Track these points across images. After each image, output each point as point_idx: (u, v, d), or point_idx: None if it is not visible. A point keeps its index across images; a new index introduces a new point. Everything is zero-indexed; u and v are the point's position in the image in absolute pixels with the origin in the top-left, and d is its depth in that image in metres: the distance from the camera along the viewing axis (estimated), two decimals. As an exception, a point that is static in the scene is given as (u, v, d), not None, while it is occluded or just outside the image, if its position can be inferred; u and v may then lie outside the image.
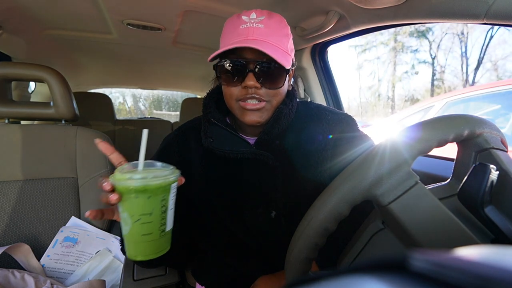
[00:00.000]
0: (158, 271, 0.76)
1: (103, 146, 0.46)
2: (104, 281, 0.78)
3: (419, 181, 0.35)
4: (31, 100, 1.65)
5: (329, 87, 1.36)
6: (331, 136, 0.65)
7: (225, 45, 0.56)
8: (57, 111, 0.95)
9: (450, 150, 0.49)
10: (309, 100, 1.39)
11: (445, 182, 0.41)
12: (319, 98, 1.37)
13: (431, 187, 0.40)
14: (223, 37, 0.60)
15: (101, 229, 0.96)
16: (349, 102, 13.53)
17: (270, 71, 0.56)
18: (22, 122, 1.21)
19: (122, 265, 0.86)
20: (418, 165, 0.89)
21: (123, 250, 0.63)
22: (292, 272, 0.41)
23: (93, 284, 0.74)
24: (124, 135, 2.04)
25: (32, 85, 1.67)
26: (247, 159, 0.60)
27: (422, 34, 11.05)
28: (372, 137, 0.69)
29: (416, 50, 11.65)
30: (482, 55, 9.38)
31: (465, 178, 0.34)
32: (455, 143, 0.39)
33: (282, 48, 0.57)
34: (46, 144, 0.96)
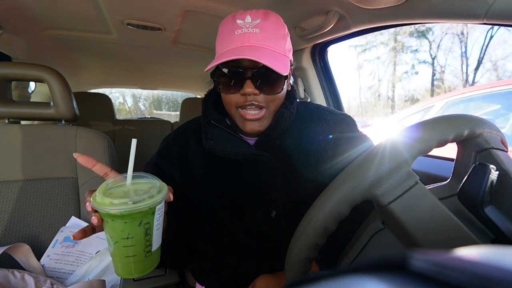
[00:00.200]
0: (158, 271, 0.76)
1: (83, 160, 0.45)
2: (104, 281, 0.78)
3: (419, 181, 0.35)
4: (31, 100, 1.65)
5: (329, 87, 1.36)
6: (331, 136, 0.65)
7: (221, 51, 0.56)
8: (57, 111, 0.95)
9: (450, 150, 0.49)
10: (309, 100, 1.39)
11: (445, 182, 0.41)
12: (319, 98, 1.37)
13: (431, 187, 0.40)
14: (219, 42, 0.59)
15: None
16: (349, 102, 13.53)
17: (268, 78, 0.56)
18: (22, 122, 1.21)
19: (122, 265, 0.86)
20: (418, 165, 0.89)
21: None
22: (292, 272, 0.41)
23: (93, 284, 0.74)
24: (124, 135, 2.03)
25: (32, 85, 1.67)
26: (247, 160, 0.60)
27: (422, 34, 11.05)
28: (372, 137, 0.69)
29: (416, 50, 11.65)
30: (482, 55, 9.38)
31: (465, 178, 0.34)
32: (455, 143, 0.39)
33: (280, 52, 0.57)
34: (46, 144, 0.96)
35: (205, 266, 0.73)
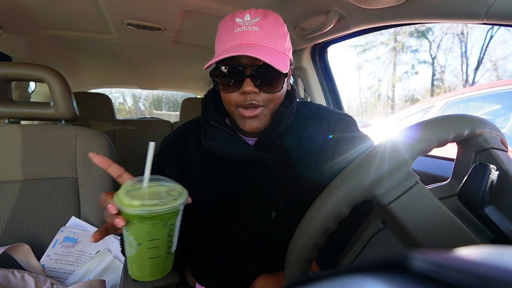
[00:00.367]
0: None
1: (99, 160, 0.45)
2: (104, 281, 0.78)
3: (419, 181, 0.35)
4: (31, 100, 1.65)
5: (329, 87, 1.36)
6: (331, 136, 0.64)
7: (220, 50, 0.56)
8: (57, 111, 0.95)
9: (450, 150, 0.49)
10: (309, 100, 1.39)
11: (445, 182, 0.41)
12: (319, 98, 1.37)
13: (431, 187, 0.40)
14: (218, 41, 0.59)
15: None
16: (349, 102, 13.53)
17: (267, 76, 0.55)
18: (22, 122, 1.21)
19: (122, 265, 0.86)
20: (418, 165, 0.89)
21: (123, 252, 0.63)
22: (292, 272, 0.41)
23: (93, 284, 0.74)
24: (124, 135, 2.03)
25: (32, 85, 1.67)
26: (247, 160, 0.60)
27: (422, 34, 11.05)
28: (372, 137, 0.69)
29: (416, 50, 11.65)
30: (482, 55, 9.38)
31: (465, 178, 0.34)
32: (455, 143, 0.39)
33: (279, 50, 0.56)
34: (46, 144, 0.96)
35: (205, 266, 0.73)
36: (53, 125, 1.00)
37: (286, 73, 0.56)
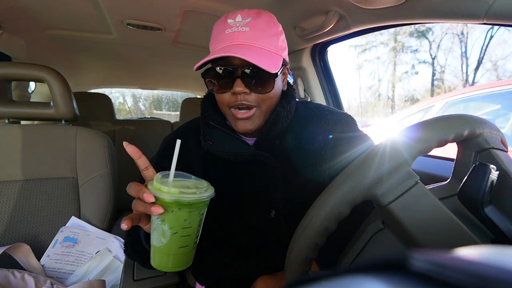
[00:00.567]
0: (158, 271, 0.76)
1: (131, 150, 0.45)
2: (104, 281, 0.78)
3: (419, 181, 0.35)
4: (31, 100, 1.65)
5: (329, 87, 1.36)
6: (331, 136, 0.64)
7: (212, 51, 0.56)
8: (57, 111, 0.95)
9: (450, 150, 0.49)
10: (309, 100, 1.39)
11: (445, 182, 0.41)
12: (319, 98, 1.37)
13: (431, 187, 0.40)
14: (211, 43, 0.59)
15: (101, 229, 0.96)
16: (349, 102, 13.53)
17: (257, 76, 0.55)
18: (22, 122, 1.21)
19: (122, 265, 0.86)
20: (418, 165, 0.89)
21: (126, 252, 0.63)
22: (292, 272, 0.41)
23: (93, 284, 0.74)
24: (124, 135, 2.03)
25: (32, 85, 1.67)
26: (247, 160, 0.60)
27: (422, 34, 11.05)
28: (372, 137, 0.69)
29: (416, 50, 11.65)
30: (482, 55, 9.37)
31: (465, 178, 0.34)
32: (455, 143, 0.39)
33: (270, 49, 0.56)
34: (46, 144, 0.96)
35: (205, 266, 0.73)
36: (53, 125, 1.00)
37: (276, 74, 0.56)
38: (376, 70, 13.17)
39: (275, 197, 0.62)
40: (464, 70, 10.00)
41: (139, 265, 0.78)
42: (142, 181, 0.49)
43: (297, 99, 0.69)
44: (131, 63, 1.90)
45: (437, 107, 2.31)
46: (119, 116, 5.39)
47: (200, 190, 0.41)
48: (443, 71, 11.08)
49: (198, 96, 2.70)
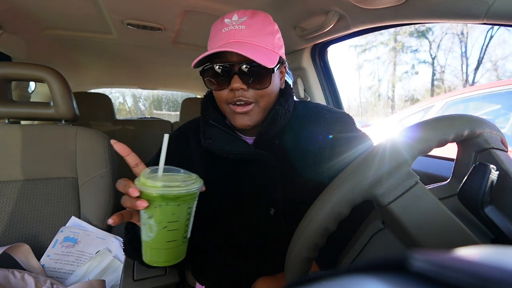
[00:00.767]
0: (158, 271, 0.76)
1: (119, 147, 0.46)
2: (104, 281, 0.78)
3: (419, 181, 0.35)
4: (31, 100, 1.65)
5: (329, 87, 1.36)
6: (331, 136, 0.65)
7: (209, 49, 0.57)
8: (57, 111, 0.95)
9: (450, 150, 0.49)
10: (308, 100, 1.39)
11: (445, 182, 0.41)
12: (319, 98, 1.37)
13: (431, 187, 0.40)
14: (209, 42, 0.60)
15: (101, 229, 0.96)
16: (349, 102, 13.53)
17: (254, 72, 0.56)
18: (22, 122, 1.21)
19: (122, 265, 0.86)
20: (418, 165, 0.89)
21: (125, 250, 0.63)
22: (292, 272, 0.41)
23: (93, 284, 0.74)
24: (124, 135, 2.03)
25: (32, 85, 1.67)
26: (246, 159, 0.61)
27: (422, 34, 11.05)
28: (372, 137, 0.69)
29: (416, 50, 11.65)
30: (482, 55, 9.37)
31: (465, 178, 0.34)
32: (455, 143, 0.39)
33: (266, 47, 0.57)
34: (46, 144, 0.96)
35: (205, 265, 0.73)
36: (53, 125, 1.00)
37: (273, 69, 0.57)
38: (376, 70, 13.18)
39: (275, 195, 0.62)
40: (464, 70, 10.00)
41: (139, 265, 0.78)
42: None
43: (296, 99, 0.69)
44: (131, 63, 1.90)
45: (437, 107, 2.31)
46: (119, 116, 5.39)
47: (186, 183, 0.40)
48: (443, 71, 11.08)
49: (198, 96, 2.70)
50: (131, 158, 0.47)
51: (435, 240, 0.34)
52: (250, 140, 0.66)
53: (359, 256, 0.42)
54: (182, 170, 0.46)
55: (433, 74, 11.22)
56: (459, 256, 0.12)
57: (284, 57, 0.64)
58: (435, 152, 0.45)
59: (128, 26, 1.19)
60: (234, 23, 0.56)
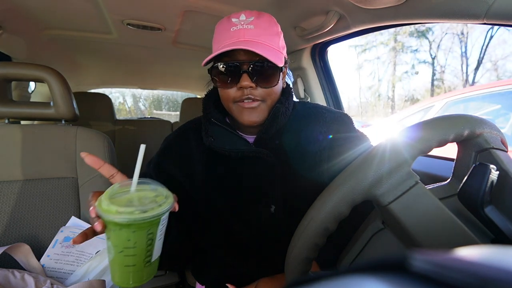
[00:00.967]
0: (158, 271, 0.76)
1: (90, 160, 0.44)
2: (104, 281, 0.78)
3: (419, 181, 0.35)
4: (31, 100, 1.65)
5: (329, 87, 1.36)
6: (331, 136, 0.65)
7: (217, 48, 0.57)
8: (57, 111, 0.95)
9: (450, 150, 0.49)
10: (308, 100, 1.39)
11: (445, 182, 0.41)
12: (319, 98, 1.37)
13: (431, 187, 0.40)
14: (215, 41, 0.61)
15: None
16: (349, 102, 13.53)
17: (263, 71, 0.57)
18: (22, 122, 1.21)
19: (122, 265, 0.86)
20: (418, 165, 0.89)
21: None
22: (292, 272, 0.41)
23: (93, 284, 0.74)
24: (124, 135, 2.03)
25: (32, 85, 1.67)
26: (247, 157, 0.61)
27: (422, 34, 11.04)
28: (372, 137, 0.69)
29: (416, 50, 11.64)
30: (482, 55, 9.37)
31: (465, 178, 0.34)
32: (455, 143, 0.39)
33: (274, 47, 0.58)
34: (46, 144, 0.96)
35: (205, 265, 0.73)
36: (53, 125, 1.00)
37: (282, 68, 0.59)
38: (376, 70, 13.17)
39: (275, 193, 0.63)
40: (464, 70, 10.00)
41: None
42: None
43: (296, 99, 0.69)
44: (131, 63, 1.90)
45: (437, 107, 2.31)
46: (119, 116, 5.40)
47: (145, 208, 0.36)
48: (443, 71, 11.08)
49: (198, 96, 2.70)
50: (105, 170, 0.46)
51: (435, 240, 0.34)
52: (251, 139, 0.66)
53: (359, 256, 0.42)
54: (160, 187, 0.43)
55: (433, 74, 11.23)
56: (459, 256, 0.12)
57: (286, 57, 0.65)
58: (435, 152, 0.45)
59: (128, 26, 1.19)
60: (242, 23, 0.57)
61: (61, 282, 0.82)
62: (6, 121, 0.96)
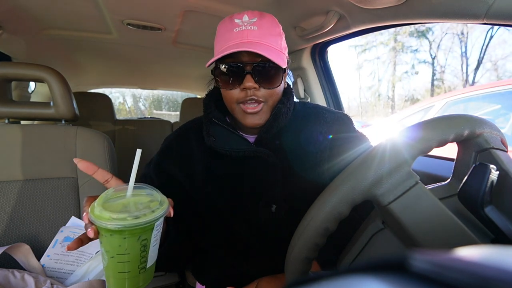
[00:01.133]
0: (157, 271, 0.76)
1: (84, 166, 0.44)
2: (104, 281, 0.78)
3: (419, 181, 0.35)
4: (31, 100, 1.65)
5: (329, 87, 1.36)
6: (331, 136, 0.65)
7: (220, 49, 0.57)
8: (57, 111, 0.95)
9: (450, 151, 0.49)
10: (308, 100, 1.39)
11: (445, 182, 0.41)
12: (319, 98, 1.37)
13: (431, 187, 0.40)
14: (218, 41, 0.61)
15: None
16: (349, 102, 13.52)
17: (267, 72, 0.57)
18: (22, 122, 1.21)
19: (122, 265, 0.85)
20: (418, 165, 0.89)
21: None
22: (292, 272, 0.41)
23: (93, 284, 0.74)
24: (124, 135, 2.03)
25: (32, 85, 1.67)
26: (248, 157, 0.61)
27: (422, 34, 11.04)
28: (372, 137, 0.69)
29: (416, 50, 11.64)
30: (482, 55, 9.37)
31: (465, 178, 0.34)
32: (455, 143, 0.39)
33: (277, 48, 0.59)
34: (46, 144, 0.96)
35: (205, 265, 0.73)
36: (53, 125, 1.00)
37: (285, 69, 0.59)
38: (376, 70, 13.17)
39: (275, 193, 0.63)
40: (464, 70, 9.99)
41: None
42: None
43: (296, 99, 0.70)
44: (131, 63, 1.90)
45: (437, 107, 2.31)
46: (119, 116, 5.39)
47: (137, 214, 0.36)
48: (443, 71, 11.08)
49: (198, 96, 2.70)
50: (99, 175, 0.45)
51: (435, 240, 0.34)
52: (251, 138, 0.66)
53: (359, 256, 0.42)
54: (155, 192, 0.43)
55: (433, 74, 11.22)
56: (459, 256, 0.12)
57: (288, 58, 0.65)
58: (435, 152, 0.45)
59: (128, 26, 1.19)
60: (245, 24, 0.57)
61: (61, 282, 0.82)
62: (6, 121, 0.96)
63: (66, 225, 0.93)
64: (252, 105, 0.59)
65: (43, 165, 0.94)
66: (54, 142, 0.97)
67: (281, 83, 0.60)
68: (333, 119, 0.67)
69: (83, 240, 0.41)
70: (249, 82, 0.56)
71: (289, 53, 1.41)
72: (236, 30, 0.57)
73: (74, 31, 1.27)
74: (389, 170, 0.34)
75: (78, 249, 0.89)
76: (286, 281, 0.46)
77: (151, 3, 1.00)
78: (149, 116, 2.97)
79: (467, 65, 9.96)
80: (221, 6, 1.01)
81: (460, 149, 0.41)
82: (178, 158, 0.67)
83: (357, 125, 0.71)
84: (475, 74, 9.70)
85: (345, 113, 0.72)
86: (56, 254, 0.86)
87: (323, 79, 1.35)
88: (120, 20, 1.14)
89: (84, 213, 0.38)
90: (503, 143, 0.38)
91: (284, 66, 0.56)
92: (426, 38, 11.07)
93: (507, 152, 0.37)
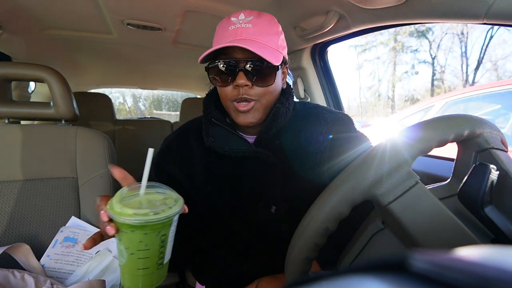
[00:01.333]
0: None
1: (121, 176, 0.45)
2: (104, 281, 0.78)
3: (419, 181, 0.35)
4: (31, 100, 1.65)
5: (329, 87, 1.36)
6: (331, 136, 0.65)
7: (215, 46, 0.57)
8: (57, 111, 0.95)
9: (450, 151, 0.49)
10: (308, 100, 1.39)
11: (445, 182, 0.41)
12: (319, 98, 1.37)
13: (431, 187, 0.40)
14: (215, 40, 0.61)
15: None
16: (349, 102, 13.52)
17: (259, 69, 0.57)
18: (22, 122, 1.21)
19: (122, 265, 0.85)
20: (418, 165, 0.89)
21: None
22: (292, 272, 0.41)
23: (93, 284, 0.74)
24: (124, 135, 2.03)
25: (32, 85, 1.67)
26: (247, 157, 0.61)
27: (422, 34, 11.04)
28: (372, 137, 0.69)
29: (416, 50, 11.64)
30: (482, 55, 9.36)
31: (465, 178, 0.34)
32: (455, 143, 0.39)
33: (271, 46, 0.58)
34: (46, 144, 0.96)
35: (205, 265, 0.73)
36: (53, 125, 1.00)
37: (278, 67, 0.58)
38: (376, 70, 13.16)
39: (276, 193, 0.63)
40: (464, 70, 9.99)
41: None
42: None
43: (296, 99, 0.70)
44: (131, 63, 1.90)
45: (437, 107, 2.31)
46: (119, 116, 5.39)
47: (158, 210, 0.37)
48: (443, 71, 11.08)
49: (198, 96, 2.70)
50: (125, 181, 0.45)
51: (435, 240, 0.34)
52: (251, 139, 0.66)
53: (359, 256, 0.42)
54: (167, 190, 0.43)
55: (433, 74, 11.22)
56: (459, 256, 0.12)
57: (287, 57, 0.65)
58: (435, 152, 0.45)
59: (128, 26, 1.19)
60: (241, 22, 0.57)
61: (61, 282, 0.82)
62: (6, 121, 0.96)
63: (66, 225, 0.93)
64: (243, 102, 0.59)
65: (43, 165, 0.94)
66: (54, 142, 0.97)
67: (274, 81, 0.59)
68: (333, 119, 0.67)
69: (96, 239, 0.41)
70: (241, 79, 0.56)
71: (289, 53, 1.40)
72: (231, 28, 0.57)
73: (74, 31, 1.27)
74: (389, 170, 0.34)
75: (78, 249, 0.89)
76: (286, 281, 0.46)
77: (151, 3, 1.00)
78: (149, 116, 2.97)
79: (467, 65, 9.96)
80: (221, 6, 1.01)
81: (460, 149, 0.41)
82: (178, 158, 0.66)
83: (357, 125, 0.71)
84: (475, 74, 9.70)
85: (346, 113, 0.71)
86: (56, 254, 0.86)
87: (323, 79, 1.35)
88: (120, 20, 1.14)
89: (102, 212, 0.38)
90: (503, 143, 0.38)
91: (276, 64, 0.56)
92: (426, 38, 11.07)
93: (507, 152, 0.37)
